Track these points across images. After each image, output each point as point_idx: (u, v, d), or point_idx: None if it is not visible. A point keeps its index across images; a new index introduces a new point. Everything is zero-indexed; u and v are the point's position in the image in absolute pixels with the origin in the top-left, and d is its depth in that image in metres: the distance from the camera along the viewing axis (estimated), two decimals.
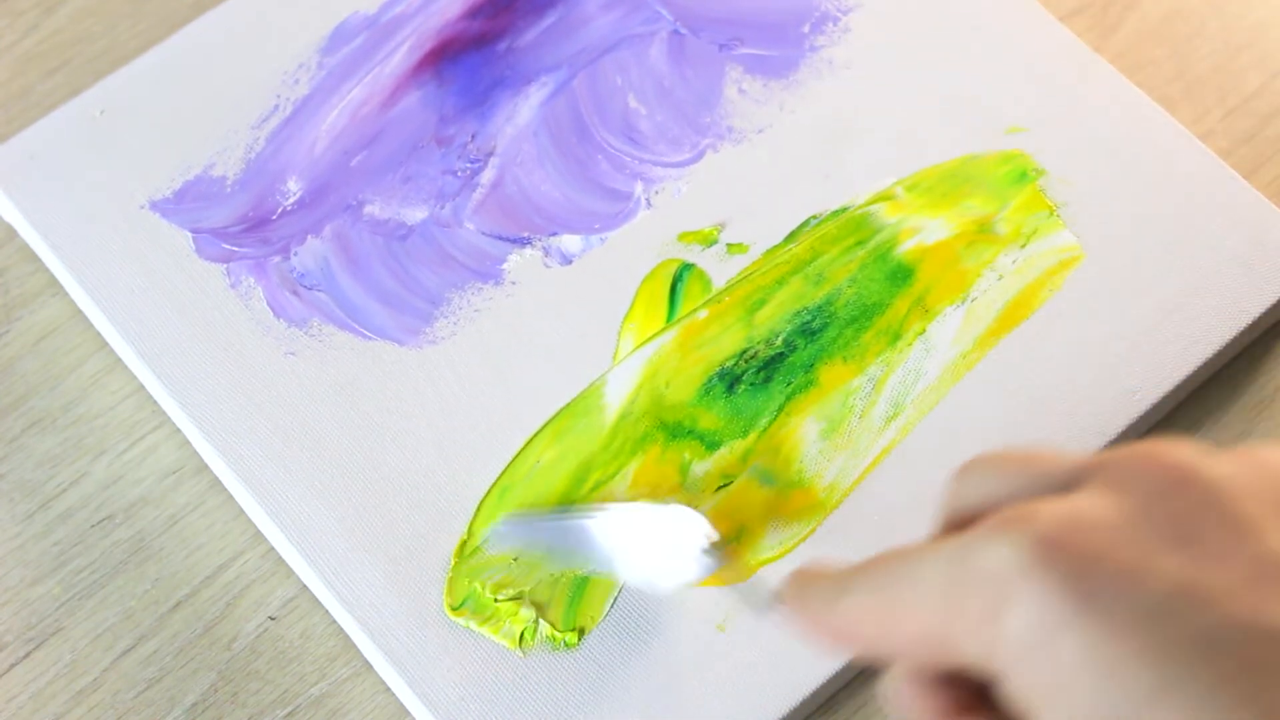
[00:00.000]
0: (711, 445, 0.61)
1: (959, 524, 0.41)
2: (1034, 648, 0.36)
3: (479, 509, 0.59)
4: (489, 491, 0.60)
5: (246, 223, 0.65)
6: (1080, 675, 0.35)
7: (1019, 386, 0.62)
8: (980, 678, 0.38)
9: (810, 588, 0.43)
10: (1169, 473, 0.37)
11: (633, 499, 0.60)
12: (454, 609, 0.58)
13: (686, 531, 0.56)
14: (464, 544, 0.59)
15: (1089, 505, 0.37)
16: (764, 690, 0.57)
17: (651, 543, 0.56)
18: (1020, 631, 0.36)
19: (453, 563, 0.59)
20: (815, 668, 0.57)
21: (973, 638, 0.37)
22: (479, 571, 0.58)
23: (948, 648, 0.38)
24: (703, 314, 0.63)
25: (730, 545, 0.56)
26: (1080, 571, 0.35)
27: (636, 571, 0.57)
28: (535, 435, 0.61)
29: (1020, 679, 0.36)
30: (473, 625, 0.57)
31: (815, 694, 0.57)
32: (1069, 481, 0.38)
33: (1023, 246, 0.64)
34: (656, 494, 0.60)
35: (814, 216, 0.65)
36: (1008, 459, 0.41)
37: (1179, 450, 0.38)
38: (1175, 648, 0.34)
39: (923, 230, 0.64)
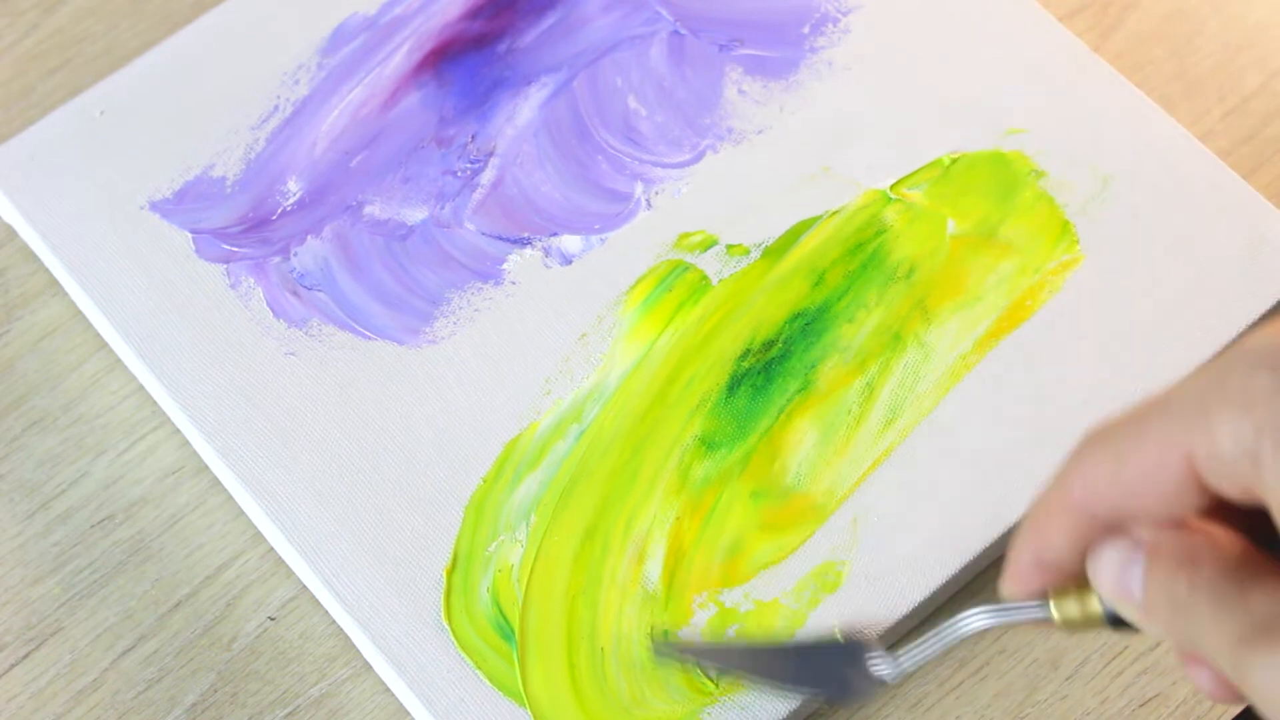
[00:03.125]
0: (712, 447, 0.61)
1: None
2: None
3: (463, 524, 0.59)
4: (470, 502, 0.60)
5: (246, 223, 0.65)
6: None
7: (1019, 388, 0.62)
8: (1233, 500, 0.38)
9: (1025, 519, 0.42)
10: None
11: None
12: (450, 622, 0.58)
13: (852, 653, 0.52)
14: (454, 564, 0.59)
15: None
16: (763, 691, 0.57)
17: (820, 668, 0.54)
18: None
19: (445, 582, 0.59)
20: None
21: (1237, 424, 0.36)
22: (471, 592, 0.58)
23: (1206, 452, 0.37)
24: (702, 316, 0.63)
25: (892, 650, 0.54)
26: None
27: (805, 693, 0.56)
28: (514, 440, 0.61)
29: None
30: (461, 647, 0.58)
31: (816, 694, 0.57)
32: None
33: (1023, 249, 0.64)
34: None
35: (814, 218, 0.65)
36: None
37: None
38: None
39: (923, 231, 0.64)
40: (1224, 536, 0.40)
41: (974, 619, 0.46)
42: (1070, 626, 0.43)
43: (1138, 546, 0.41)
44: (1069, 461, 0.41)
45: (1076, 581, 0.43)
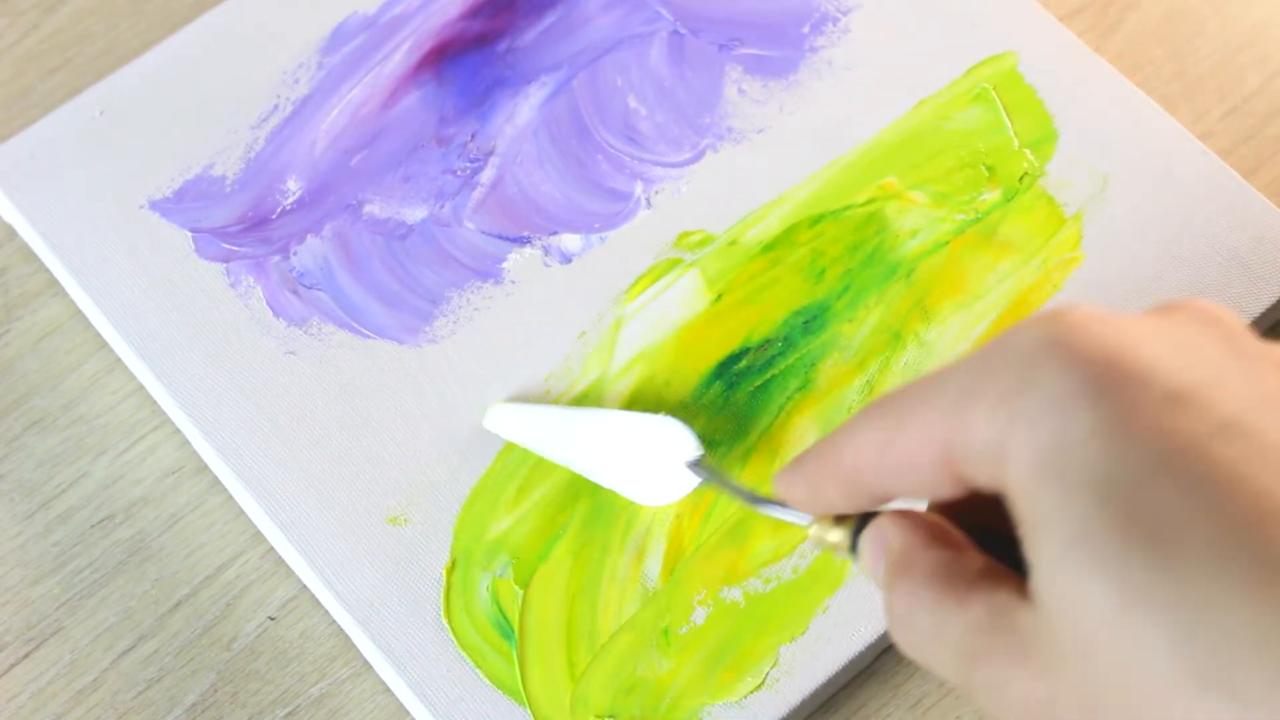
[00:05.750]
0: (711, 446, 0.61)
1: None
2: (1051, 413, 0.35)
3: (463, 524, 0.59)
4: (467, 500, 0.60)
5: (246, 222, 0.65)
6: (1090, 443, 0.35)
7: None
8: (984, 492, 0.38)
9: (807, 450, 0.42)
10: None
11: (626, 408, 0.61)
12: (449, 620, 0.58)
13: (673, 443, 0.57)
14: (453, 563, 0.59)
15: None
16: (764, 690, 0.57)
17: (638, 451, 0.57)
18: (1042, 399, 0.36)
19: (445, 581, 0.59)
20: (815, 667, 0.57)
21: (989, 418, 0.37)
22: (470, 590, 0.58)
23: (960, 442, 0.37)
24: (701, 313, 0.63)
25: (713, 461, 0.57)
26: (1107, 355, 0.36)
27: (619, 477, 0.58)
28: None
29: (1029, 450, 0.36)
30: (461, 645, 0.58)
31: (815, 693, 0.57)
32: None
33: (1023, 248, 0.64)
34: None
35: (814, 216, 0.65)
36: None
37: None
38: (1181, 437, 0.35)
39: (923, 230, 0.64)
40: (957, 538, 0.40)
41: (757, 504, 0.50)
42: (823, 549, 0.44)
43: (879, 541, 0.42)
44: (845, 428, 0.41)
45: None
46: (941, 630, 0.39)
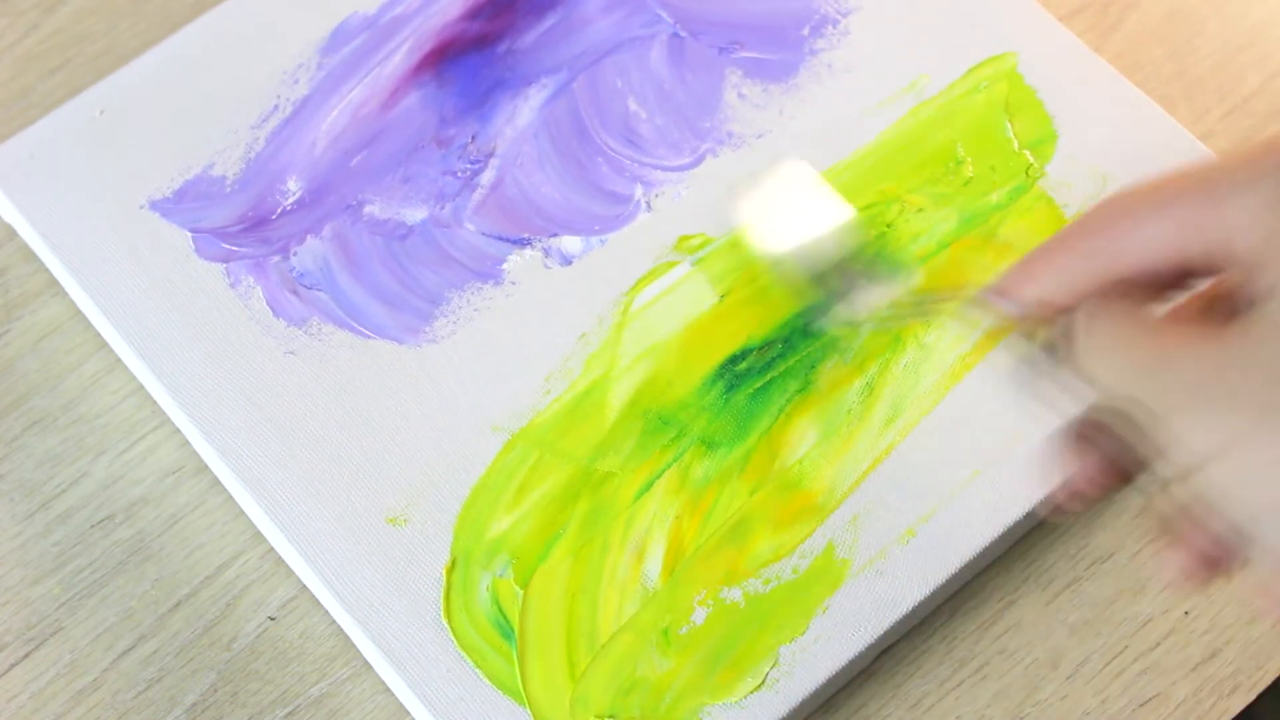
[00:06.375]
0: (711, 447, 0.61)
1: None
2: None
3: (463, 523, 0.59)
4: (468, 499, 0.60)
5: (246, 222, 0.65)
6: None
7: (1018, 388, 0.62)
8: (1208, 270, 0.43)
9: (1042, 246, 0.47)
10: None
11: None
12: (449, 620, 0.58)
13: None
14: (453, 563, 0.59)
15: None
16: (764, 690, 0.57)
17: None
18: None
19: (445, 581, 0.59)
20: (814, 667, 0.57)
21: (1244, 209, 0.41)
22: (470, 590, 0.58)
23: (1220, 227, 0.42)
24: (702, 315, 0.63)
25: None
26: None
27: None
28: (518, 436, 0.61)
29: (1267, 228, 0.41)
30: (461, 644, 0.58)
31: (815, 693, 0.57)
32: None
33: (1023, 248, 0.64)
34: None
35: None
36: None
37: None
38: None
39: (924, 234, 0.64)
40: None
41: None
42: (1024, 348, 0.47)
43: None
44: (1092, 216, 0.45)
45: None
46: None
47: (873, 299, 0.55)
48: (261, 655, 0.60)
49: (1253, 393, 0.40)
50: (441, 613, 0.58)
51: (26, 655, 0.60)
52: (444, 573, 0.58)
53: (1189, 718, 0.59)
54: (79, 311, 0.65)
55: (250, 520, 0.61)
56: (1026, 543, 0.62)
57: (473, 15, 0.69)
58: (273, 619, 0.60)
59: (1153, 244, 0.44)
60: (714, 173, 0.66)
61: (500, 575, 0.58)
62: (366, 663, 0.59)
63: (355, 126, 0.66)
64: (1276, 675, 0.60)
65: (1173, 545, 0.43)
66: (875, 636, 0.58)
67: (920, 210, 0.65)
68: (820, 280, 0.56)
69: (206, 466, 0.62)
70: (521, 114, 0.67)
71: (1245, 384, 0.40)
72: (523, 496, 0.60)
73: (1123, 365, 0.43)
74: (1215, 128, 0.69)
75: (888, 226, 0.65)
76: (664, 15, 0.69)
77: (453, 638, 0.57)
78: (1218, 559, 0.43)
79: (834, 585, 0.59)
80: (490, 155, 0.66)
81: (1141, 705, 0.60)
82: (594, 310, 0.63)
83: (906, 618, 0.59)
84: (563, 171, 0.66)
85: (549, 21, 0.69)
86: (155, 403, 0.63)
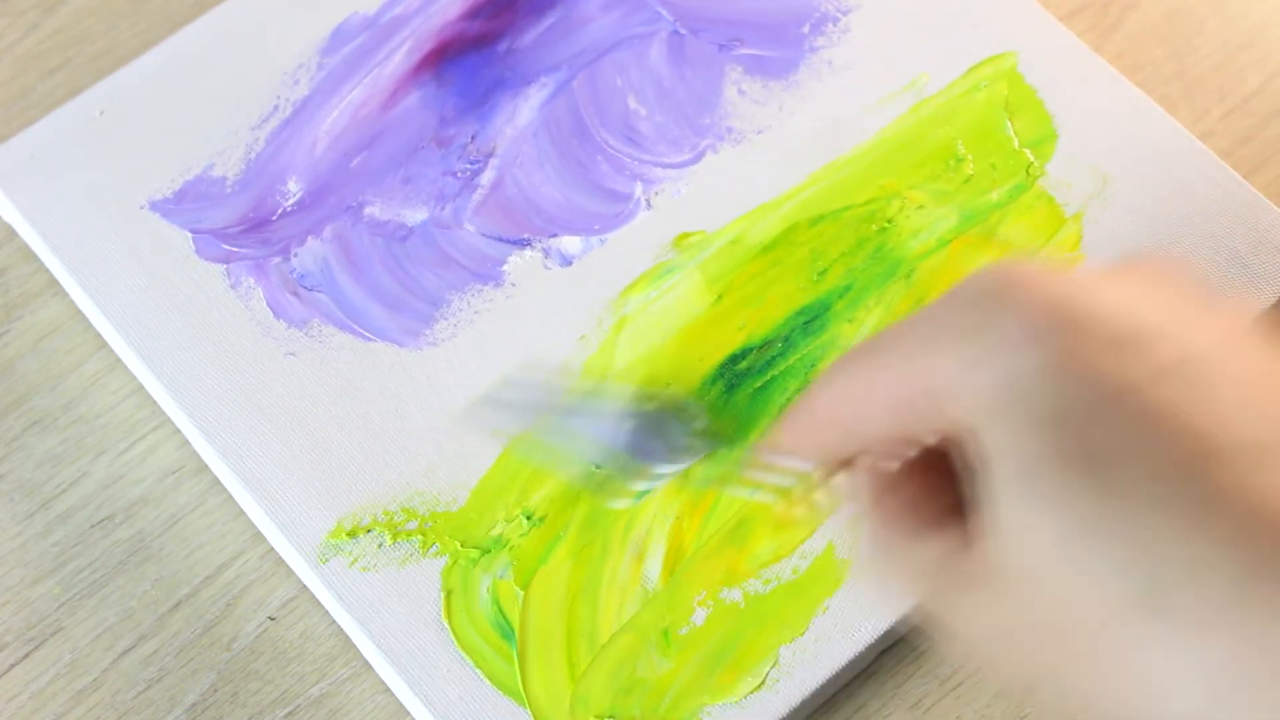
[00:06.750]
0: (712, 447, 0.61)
1: None
2: (1002, 354, 0.37)
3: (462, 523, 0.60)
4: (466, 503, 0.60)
5: (246, 223, 0.65)
6: (1038, 382, 0.37)
7: None
8: (949, 442, 0.40)
9: (795, 406, 0.45)
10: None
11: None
12: (450, 621, 0.58)
13: (676, 416, 0.57)
14: (453, 563, 0.59)
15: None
16: (764, 690, 0.57)
17: (640, 426, 0.57)
18: (994, 342, 0.38)
19: (445, 581, 0.59)
20: (814, 667, 0.57)
21: (946, 363, 0.38)
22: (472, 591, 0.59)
23: (921, 387, 0.39)
24: (702, 313, 0.63)
25: (719, 431, 0.58)
26: (1056, 301, 0.38)
27: (620, 452, 0.58)
28: (519, 438, 0.61)
29: (981, 389, 0.38)
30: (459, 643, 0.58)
31: (816, 693, 0.58)
32: None
33: (1023, 248, 0.64)
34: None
35: (815, 217, 0.65)
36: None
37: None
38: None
39: (924, 230, 0.64)
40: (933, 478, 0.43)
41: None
42: (813, 503, 0.48)
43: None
44: (820, 381, 0.43)
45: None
46: (910, 563, 0.41)
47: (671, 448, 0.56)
48: (261, 655, 0.60)
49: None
50: (442, 613, 0.58)
51: (26, 655, 0.60)
52: (444, 574, 0.58)
53: None
54: (79, 311, 0.65)
55: (250, 520, 0.62)
56: None
57: (472, 15, 0.68)
58: (273, 619, 0.60)
59: (875, 426, 0.42)
60: (714, 169, 0.66)
61: (501, 576, 0.59)
62: (366, 663, 0.59)
63: (355, 127, 0.66)
64: None
65: None
66: (875, 636, 0.58)
67: (920, 207, 0.65)
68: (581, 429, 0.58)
69: (206, 466, 0.63)
70: (521, 113, 0.67)
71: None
72: (523, 498, 0.60)
73: (901, 584, 0.43)
74: (1215, 128, 0.69)
75: (888, 222, 0.65)
76: (664, 13, 0.69)
77: (453, 638, 0.57)
78: None
79: (834, 585, 0.59)
80: (490, 155, 0.66)
81: None
82: (594, 312, 0.63)
83: (907, 617, 0.59)
84: (562, 170, 0.66)
85: (549, 20, 0.69)
86: (155, 403, 0.63)
